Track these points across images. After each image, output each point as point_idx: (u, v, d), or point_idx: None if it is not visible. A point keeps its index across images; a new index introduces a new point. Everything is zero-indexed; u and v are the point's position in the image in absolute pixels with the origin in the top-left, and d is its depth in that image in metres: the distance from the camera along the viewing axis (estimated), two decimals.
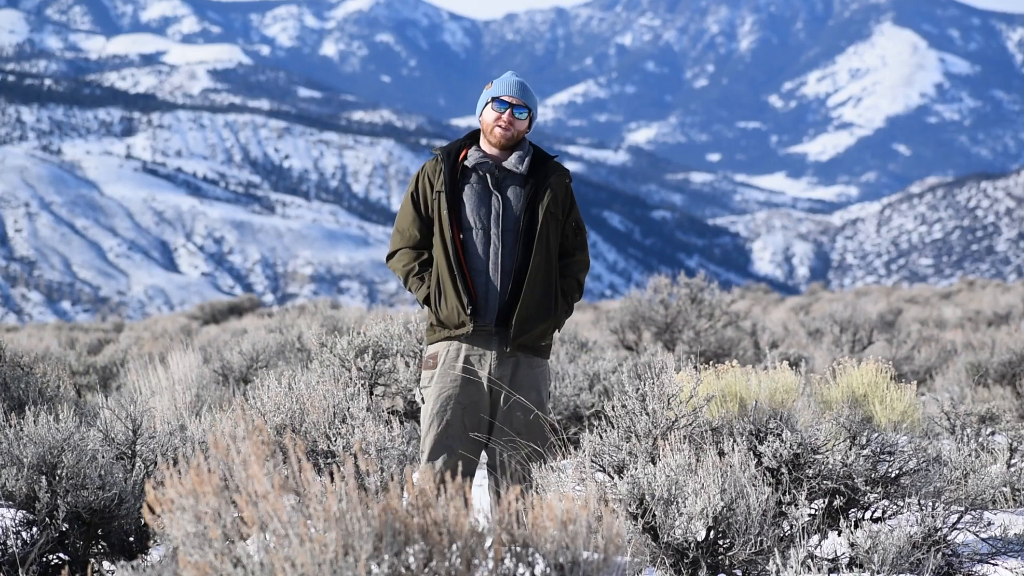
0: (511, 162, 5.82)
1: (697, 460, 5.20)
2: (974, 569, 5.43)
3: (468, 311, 5.70)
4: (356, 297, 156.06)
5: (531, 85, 6.01)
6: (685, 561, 5.06)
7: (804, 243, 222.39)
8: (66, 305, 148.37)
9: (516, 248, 5.77)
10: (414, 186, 5.90)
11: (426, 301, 5.83)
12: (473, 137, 5.94)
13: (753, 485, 5.05)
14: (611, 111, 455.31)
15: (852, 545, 5.19)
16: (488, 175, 5.81)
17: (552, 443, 5.76)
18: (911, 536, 5.21)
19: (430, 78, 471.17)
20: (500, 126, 5.81)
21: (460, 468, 5.68)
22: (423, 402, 5.85)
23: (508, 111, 5.82)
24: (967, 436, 7.26)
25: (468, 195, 5.80)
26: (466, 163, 5.83)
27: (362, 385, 7.56)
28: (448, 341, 5.80)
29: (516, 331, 5.71)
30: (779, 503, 5.30)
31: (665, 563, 5.08)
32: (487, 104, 5.87)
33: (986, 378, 11.13)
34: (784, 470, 5.38)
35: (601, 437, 5.47)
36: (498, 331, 5.76)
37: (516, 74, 5.93)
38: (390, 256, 5.98)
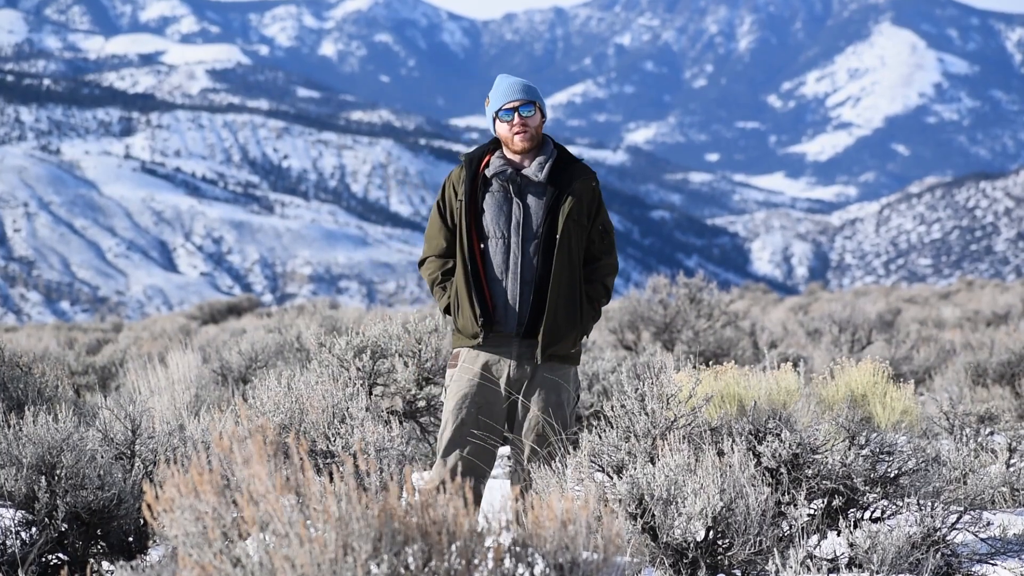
0: (531, 170, 5.72)
1: (696, 460, 5.20)
2: (973, 569, 5.43)
3: (480, 322, 5.65)
4: (355, 297, 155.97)
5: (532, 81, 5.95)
6: (684, 561, 5.06)
7: (803, 243, 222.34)
8: (65, 305, 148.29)
9: (536, 258, 5.67)
10: (441, 194, 5.85)
11: (447, 311, 5.82)
12: (498, 143, 5.84)
13: (752, 485, 5.05)
14: (610, 111, 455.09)
15: (851, 545, 5.19)
16: (509, 183, 5.72)
17: (565, 447, 5.69)
18: (910, 536, 5.21)
19: (429, 78, 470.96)
20: (516, 133, 5.72)
21: (473, 466, 5.67)
22: (445, 400, 5.86)
23: (515, 116, 5.73)
24: (966, 436, 7.27)
25: (489, 203, 5.72)
26: (487, 171, 5.76)
27: (361, 385, 7.56)
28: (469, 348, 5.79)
29: (545, 343, 5.65)
30: (778, 503, 5.29)
31: (664, 563, 5.07)
32: (495, 120, 5.79)
33: (985, 378, 11.13)
34: (783, 470, 5.37)
35: (600, 437, 5.46)
36: (521, 340, 5.70)
37: (507, 76, 5.83)
38: (421, 263, 5.96)
